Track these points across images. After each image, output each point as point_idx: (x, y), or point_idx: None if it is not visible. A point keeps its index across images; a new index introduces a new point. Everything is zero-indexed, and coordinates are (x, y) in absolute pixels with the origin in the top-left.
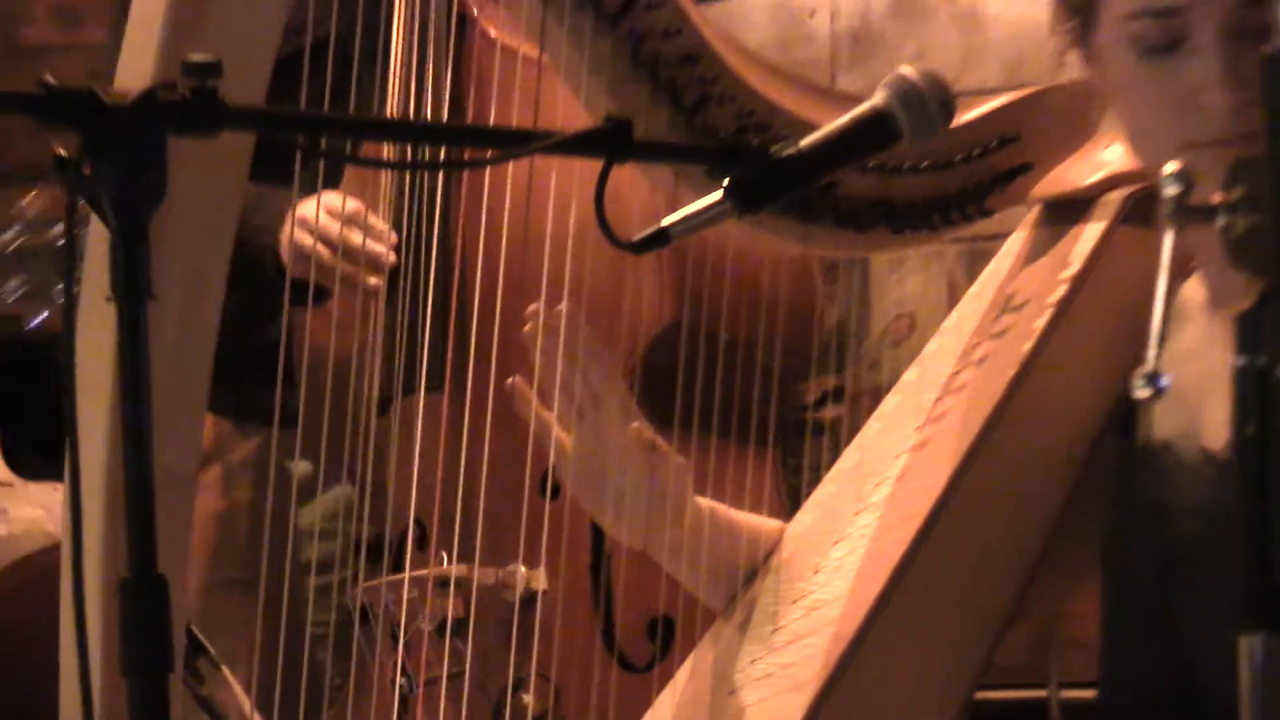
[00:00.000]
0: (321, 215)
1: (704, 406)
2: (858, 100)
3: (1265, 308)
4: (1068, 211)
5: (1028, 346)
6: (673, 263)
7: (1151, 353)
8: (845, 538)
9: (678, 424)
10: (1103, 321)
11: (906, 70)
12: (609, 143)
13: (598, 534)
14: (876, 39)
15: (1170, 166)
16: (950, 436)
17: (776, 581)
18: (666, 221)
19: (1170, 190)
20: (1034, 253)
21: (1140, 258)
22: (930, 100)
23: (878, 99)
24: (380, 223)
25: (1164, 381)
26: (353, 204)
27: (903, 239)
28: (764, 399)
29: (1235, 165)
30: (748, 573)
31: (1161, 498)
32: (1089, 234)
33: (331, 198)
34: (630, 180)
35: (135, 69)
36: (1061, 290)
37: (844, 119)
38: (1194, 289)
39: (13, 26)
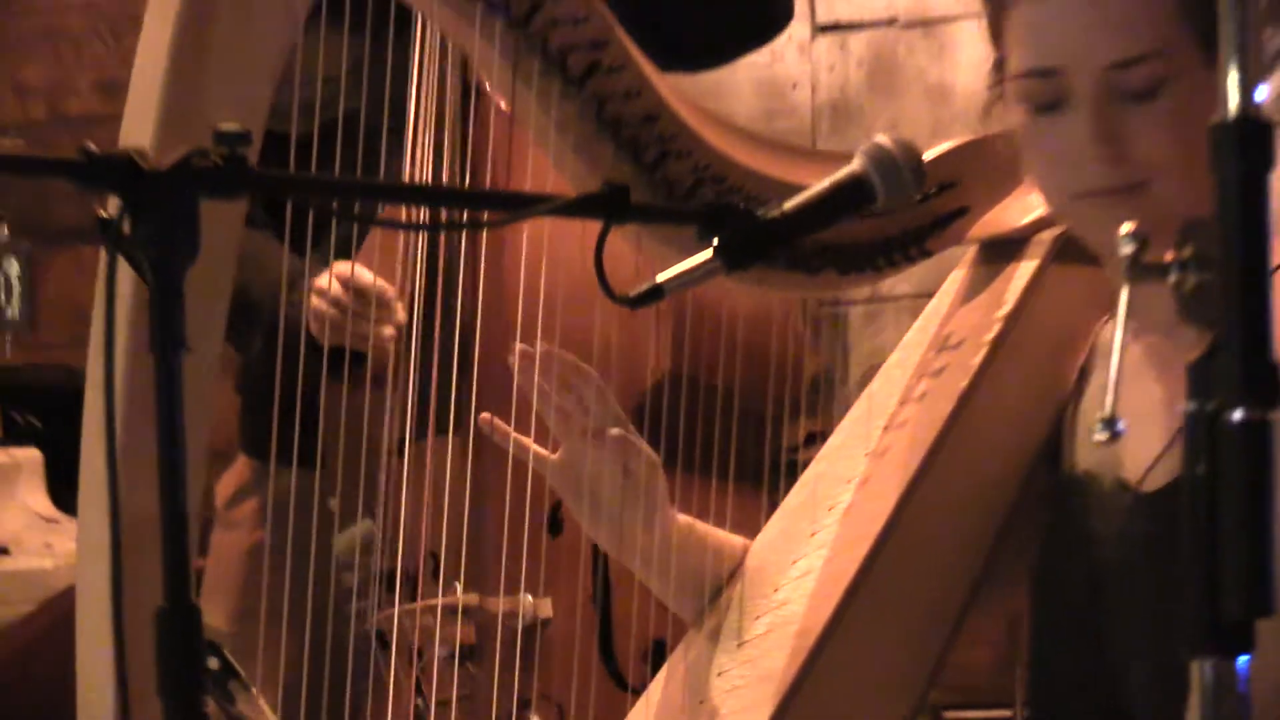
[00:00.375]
0: (325, 280)
1: (704, 451)
2: (809, 153)
3: (1213, 358)
4: (1002, 250)
5: (964, 383)
6: (669, 317)
7: (1109, 398)
8: (803, 557)
9: (681, 468)
10: (1034, 357)
11: (882, 139)
12: (608, 206)
13: (598, 565)
14: (854, 110)
15: (1126, 227)
16: (895, 467)
17: (741, 597)
18: (661, 278)
19: (1126, 249)
20: (971, 291)
21: (1069, 293)
22: (904, 167)
23: (855, 165)
24: (367, 274)
25: (1121, 426)
26: (342, 266)
27: (849, 280)
28: (756, 443)
29: (1186, 226)
30: (715, 585)
31: (1087, 525)
32: (1022, 272)
33: (341, 265)
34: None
35: (136, 133)
36: (996, 328)
37: (824, 183)
38: (1113, 327)
39: (59, 98)
